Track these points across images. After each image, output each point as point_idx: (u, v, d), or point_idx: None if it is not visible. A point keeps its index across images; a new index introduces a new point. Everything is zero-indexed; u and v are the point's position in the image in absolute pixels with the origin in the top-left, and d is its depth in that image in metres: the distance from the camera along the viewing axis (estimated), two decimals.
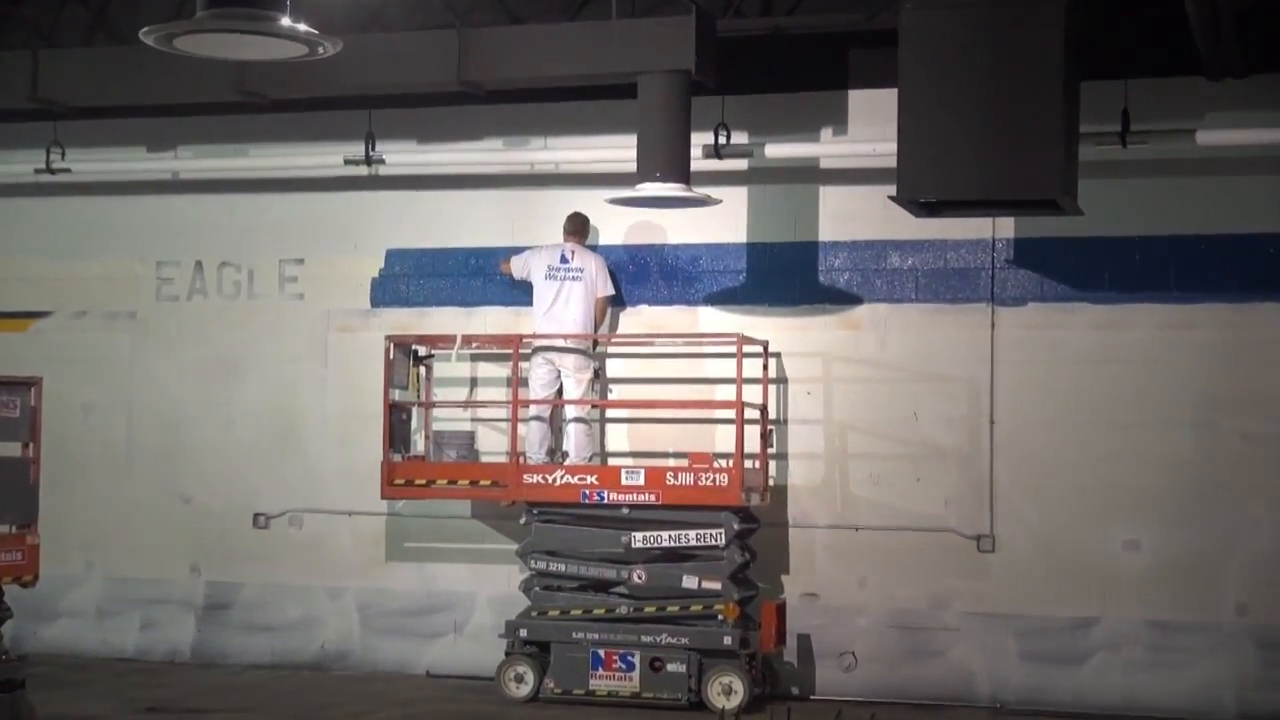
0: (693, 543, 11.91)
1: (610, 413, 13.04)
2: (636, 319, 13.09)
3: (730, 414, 12.08)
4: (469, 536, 13.27)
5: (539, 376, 12.68)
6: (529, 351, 12.69)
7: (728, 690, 11.69)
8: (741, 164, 12.65)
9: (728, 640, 11.76)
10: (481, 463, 12.94)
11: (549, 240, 12.97)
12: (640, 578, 11.96)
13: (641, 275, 13.11)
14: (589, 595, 12.14)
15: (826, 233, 12.75)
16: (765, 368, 12.51)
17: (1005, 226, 12.35)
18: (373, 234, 13.69)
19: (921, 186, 10.54)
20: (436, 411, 13.20)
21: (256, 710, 11.86)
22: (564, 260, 12.74)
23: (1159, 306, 12.10)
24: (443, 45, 11.97)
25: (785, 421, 12.72)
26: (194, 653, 13.87)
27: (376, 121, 13.19)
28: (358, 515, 13.49)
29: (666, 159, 11.56)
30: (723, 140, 12.34)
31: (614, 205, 12.19)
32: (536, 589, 12.27)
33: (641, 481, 11.96)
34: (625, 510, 12.01)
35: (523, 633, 12.16)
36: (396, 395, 12.81)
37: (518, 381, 12.45)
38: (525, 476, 12.20)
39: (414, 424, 13.10)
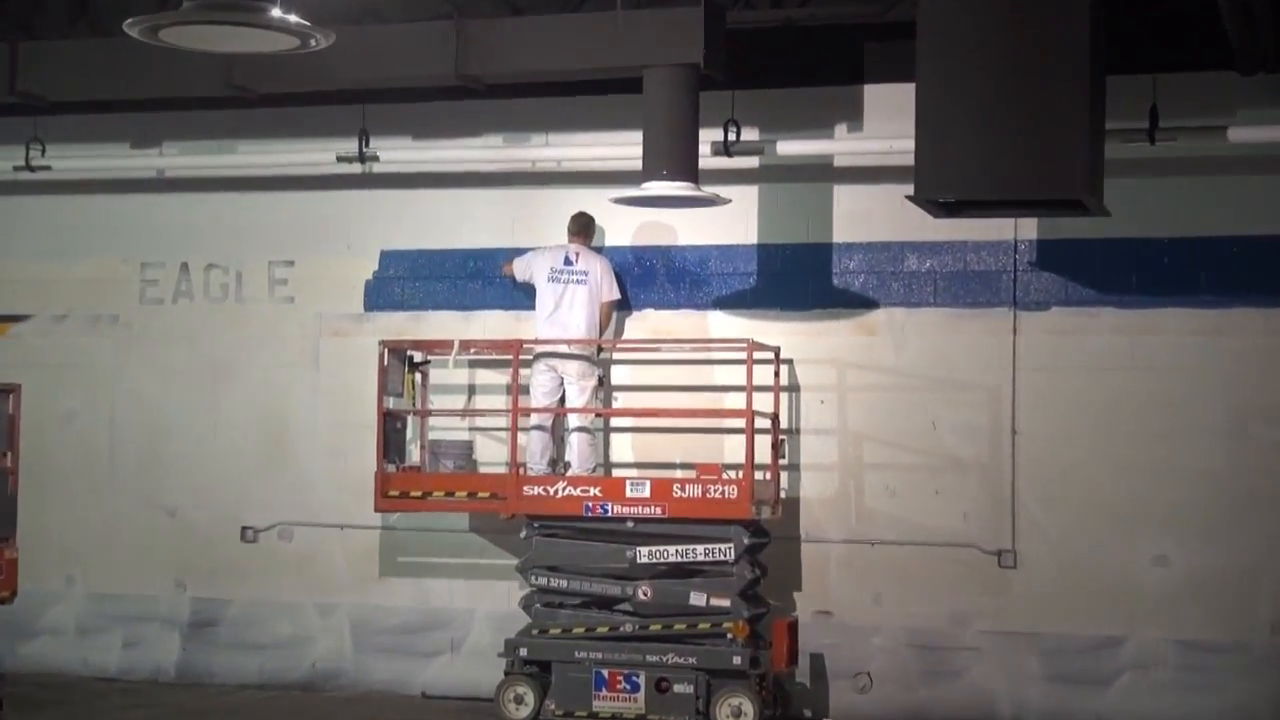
0: (700, 558, 11.84)
1: (615, 422, 13.01)
2: (642, 323, 13.08)
3: (740, 423, 12.05)
4: (467, 551, 13.22)
5: (540, 384, 12.62)
6: (530, 358, 12.63)
7: (737, 712, 11.62)
8: (752, 162, 12.61)
9: (737, 660, 11.69)
10: (480, 474, 12.89)
11: (551, 241, 12.91)
12: (646, 594, 11.89)
13: (648, 278, 13.09)
14: (592, 612, 12.08)
15: (841, 234, 12.72)
16: (777, 375, 12.46)
17: (1028, 227, 12.32)
18: (366, 234, 13.63)
19: (940, 186, 10.41)
20: (433, 420, 13.13)
21: None
22: (568, 262, 12.67)
23: (1189, 311, 12.06)
24: (440, 38, 11.94)
25: (797, 431, 12.68)
26: (179, 672, 13.78)
27: (370, 117, 13.15)
28: (350, 528, 13.39)
29: (673, 156, 11.54)
30: (732, 137, 12.33)
31: (619, 205, 12.15)
32: (537, 606, 12.19)
33: (647, 494, 11.89)
34: (630, 524, 11.95)
35: (523, 652, 12.08)
36: (391, 403, 12.72)
37: (518, 389, 12.38)
38: (526, 488, 12.16)
39: (409, 433, 13.03)
